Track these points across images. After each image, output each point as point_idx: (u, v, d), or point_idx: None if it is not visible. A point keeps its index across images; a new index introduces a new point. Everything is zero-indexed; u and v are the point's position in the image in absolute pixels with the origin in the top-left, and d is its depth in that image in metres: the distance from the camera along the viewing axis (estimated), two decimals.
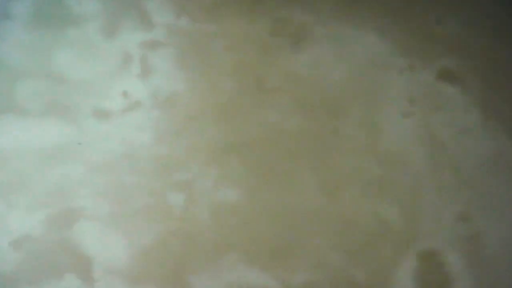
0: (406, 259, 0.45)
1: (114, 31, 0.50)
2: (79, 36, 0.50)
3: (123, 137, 0.47)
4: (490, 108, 0.50)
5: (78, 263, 0.45)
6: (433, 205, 0.47)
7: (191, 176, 0.47)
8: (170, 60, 0.49)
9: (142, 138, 0.47)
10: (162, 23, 0.50)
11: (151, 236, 0.46)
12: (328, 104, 0.50)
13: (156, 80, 0.49)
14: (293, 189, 0.47)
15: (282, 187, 0.47)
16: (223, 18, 0.51)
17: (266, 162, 0.48)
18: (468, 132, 0.49)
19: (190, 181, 0.47)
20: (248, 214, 0.47)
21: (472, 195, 0.47)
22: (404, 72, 0.51)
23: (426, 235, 0.46)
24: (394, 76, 0.50)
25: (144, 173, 0.46)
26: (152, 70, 0.49)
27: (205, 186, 0.47)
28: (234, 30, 0.51)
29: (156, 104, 0.48)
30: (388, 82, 0.50)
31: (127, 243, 0.45)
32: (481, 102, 0.50)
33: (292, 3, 0.53)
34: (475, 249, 0.46)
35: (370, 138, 0.48)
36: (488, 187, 0.48)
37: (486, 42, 0.52)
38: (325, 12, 0.53)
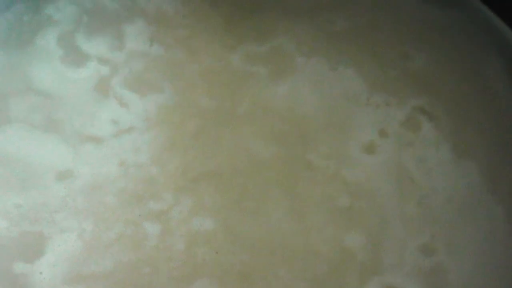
0: (372, 284, 0.47)
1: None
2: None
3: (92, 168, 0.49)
4: (462, 146, 0.52)
5: None
6: (398, 237, 0.49)
7: (166, 206, 0.49)
8: (136, 86, 0.52)
9: (110, 169, 0.49)
10: (134, 49, 0.53)
11: (122, 264, 0.48)
12: (301, 134, 0.52)
13: (123, 108, 0.52)
14: (264, 217, 0.49)
15: (253, 215, 0.49)
16: (198, 47, 0.54)
17: (239, 190, 0.50)
18: (438, 168, 0.51)
19: (165, 210, 0.49)
20: (221, 242, 0.48)
21: (438, 230, 0.49)
22: (378, 109, 0.53)
23: (389, 267, 0.48)
24: (367, 111, 0.53)
25: (118, 203, 0.49)
26: (119, 95, 0.51)
27: (181, 215, 0.49)
28: (209, 58, 0.54)
29: (124, 131, 0.51)
30: (361, 116, 0.53)
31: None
32: (453, 139, 0.53)
33: (273, 33, 0.56)
34: (437, 284, 0.47)
35: (340, 169, 0.51)
36: (454, 224, 0.49)
37: (456, 79, 0.55)
38: (306, 44, 0.56)
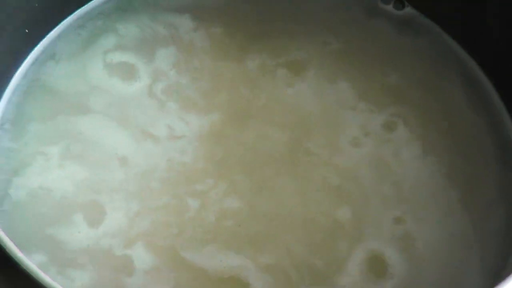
0: (355, 253, 0.57)
1: None
2: None
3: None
4: (428, 144, 0.63)
5: None
6: (377, 212, 0.59)
7: (207, 188, 0.59)
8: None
9: (159, 162, 0.59)
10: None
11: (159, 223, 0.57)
12: (303, 129, 0.62)
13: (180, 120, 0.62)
14: (275, 196, 0.59)
15: (269, 195, 0.59)
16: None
17: (259, 175, 0.60)
18: (409, 160, 0.62)
19: (206, 191, 0.59)
20: (244, 217, 0.58)
21: (407, 207, 0.59)
22: (364, 113, 0.64)
23: (371, 235, 0.58)
24: (355, 116, 0.64)
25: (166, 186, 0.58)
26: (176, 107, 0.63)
27: (217, 196, 0.59)
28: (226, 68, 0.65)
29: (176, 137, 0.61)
30: (349, 119, 0.63)
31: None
32: (420, 138, 0.63)
33: (285, 51, 0.66)
34: (408, 247, 0.57)
35: (332, 156, 0.61)
36: (420, 202, 0.59)
37: (423, 91, 0.65)
38: (312, 60, 0.66)
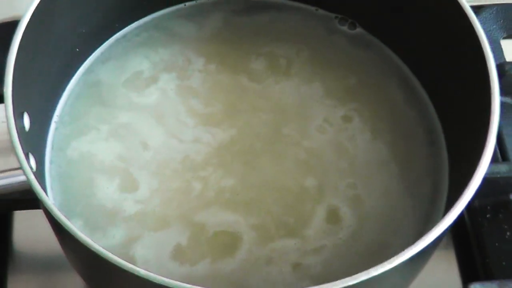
0: (318, 210, 0.71)
1: None
2: None
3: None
4: (376, 132, 0.77)
5: None
6: (335, 181, 0.72)
7: (208, 173, 0.72)
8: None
9: (178, 156, 0.73)
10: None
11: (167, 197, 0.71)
12: (282, 117, 0.77)
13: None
14: (261, 171, 0.73)
15: (256, 170, 0.73)
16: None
17: (248, 155, 0.74)
18: (362, 144, 0.76)
19: (207, 176, 0.72)
20: (239, 190, 0.72)
21: (359, 177, 0.73)
22: (329, 107, 0.78)
23: (329, 197, 0.72)
24: (322, 109, 0.78)
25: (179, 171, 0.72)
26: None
27: (216, 179, 0.72)
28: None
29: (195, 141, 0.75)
30: (318, 111, 0.78)
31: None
32: (371, 128, 0.77)
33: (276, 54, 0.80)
34: (357, 205, 0.71)
35: (302, 139, 0.75)
36: (368, 174, 0.73)
37: (374, 92, 0.79)
38: (295, 68, 0.81)
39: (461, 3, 0.71)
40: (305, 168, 0.73)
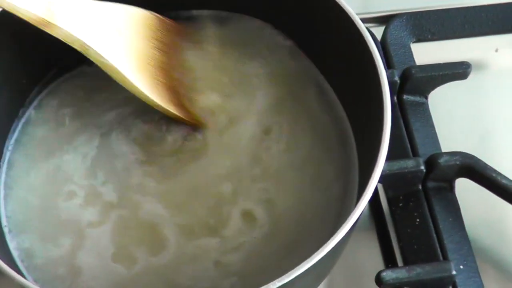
0: (234, 213, 0.78)
1: None
2: None
3: None
4: (293, 141, 0.83)
5: None
6: (248, 186, 0.79)
7: None
8: None
9: None
10: None
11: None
12: None
13: None
14: (189, 179, 0.81)
15: (184, 180, 0.79)
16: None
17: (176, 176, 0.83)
18: (277, 154, 0.82)
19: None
20: (170, 196, 0.81)
21: (272, 181, 0.79)
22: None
23: (244, 200, 0.79)
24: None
25: None
26: None
27: None
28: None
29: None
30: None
31: None
32: (288, 137, 0.83)
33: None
34: (271, 207, 0.78)
35: None
36: (280, 179, 0.79)
37: (294, 102, 0.85)
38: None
39: (354, 21, 0.78)
40: (223, 176, 0.80)
